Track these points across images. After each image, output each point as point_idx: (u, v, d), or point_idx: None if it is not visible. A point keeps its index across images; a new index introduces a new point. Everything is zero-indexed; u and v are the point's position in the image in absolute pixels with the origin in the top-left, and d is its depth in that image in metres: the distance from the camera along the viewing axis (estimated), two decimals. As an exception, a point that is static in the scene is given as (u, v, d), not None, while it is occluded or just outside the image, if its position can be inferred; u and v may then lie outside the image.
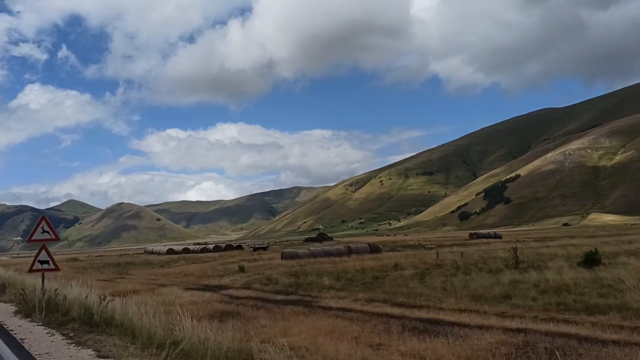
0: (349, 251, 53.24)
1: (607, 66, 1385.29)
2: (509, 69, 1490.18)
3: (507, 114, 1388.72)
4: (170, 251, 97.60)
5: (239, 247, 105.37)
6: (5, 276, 21.02)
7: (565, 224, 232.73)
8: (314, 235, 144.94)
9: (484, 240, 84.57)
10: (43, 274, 13.88)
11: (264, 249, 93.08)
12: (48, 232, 13.78)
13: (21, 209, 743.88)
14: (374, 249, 56.43)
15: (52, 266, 13.85)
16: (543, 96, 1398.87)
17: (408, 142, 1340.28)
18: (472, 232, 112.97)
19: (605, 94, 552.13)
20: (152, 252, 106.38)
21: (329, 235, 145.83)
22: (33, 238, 13.59)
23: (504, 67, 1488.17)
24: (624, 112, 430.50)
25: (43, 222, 13.73)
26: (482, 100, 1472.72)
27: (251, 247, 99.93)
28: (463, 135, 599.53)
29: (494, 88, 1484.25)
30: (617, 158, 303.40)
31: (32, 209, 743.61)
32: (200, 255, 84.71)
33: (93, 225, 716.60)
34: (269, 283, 27.97)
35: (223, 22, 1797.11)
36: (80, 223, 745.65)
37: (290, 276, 30.19)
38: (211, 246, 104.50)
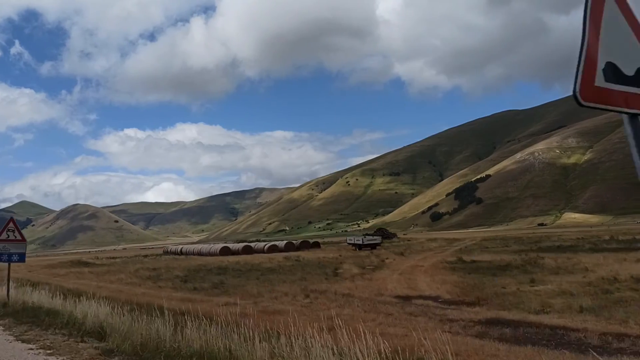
0: None
1: (565, 70, 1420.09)
2: (470, 72, 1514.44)
3: (467, 117, 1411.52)
4: (226, 250, 76.11)
5: (316, 245, 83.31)
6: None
7: (541, 224, 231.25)
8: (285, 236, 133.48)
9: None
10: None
11: (373, 247, 67.40)
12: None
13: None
14: None
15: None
16: (503, 99, 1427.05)
17: (369, 143, 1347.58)
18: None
19: (567, 96, 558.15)
20: (182, 253, 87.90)
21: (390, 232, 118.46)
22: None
23: (466, 70, 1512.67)
24: (585, 114, 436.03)
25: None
26: (443, 103, 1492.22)
27: (352, 243, 74.90)
28: (426, 137, 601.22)
29: (455, 91, 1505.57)
30: (586, 158, 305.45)
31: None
32: (290, 254, 62.71)
33: (47, 227, 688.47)
34: None
35: (185, 20, 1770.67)
36: (33, 225, 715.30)
37: None
38: (282, 244, 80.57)
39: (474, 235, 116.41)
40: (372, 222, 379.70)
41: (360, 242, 70.57)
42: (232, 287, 27.17)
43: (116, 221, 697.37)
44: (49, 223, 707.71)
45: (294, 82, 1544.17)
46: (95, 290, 18.29)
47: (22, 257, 15.76)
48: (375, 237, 76.09)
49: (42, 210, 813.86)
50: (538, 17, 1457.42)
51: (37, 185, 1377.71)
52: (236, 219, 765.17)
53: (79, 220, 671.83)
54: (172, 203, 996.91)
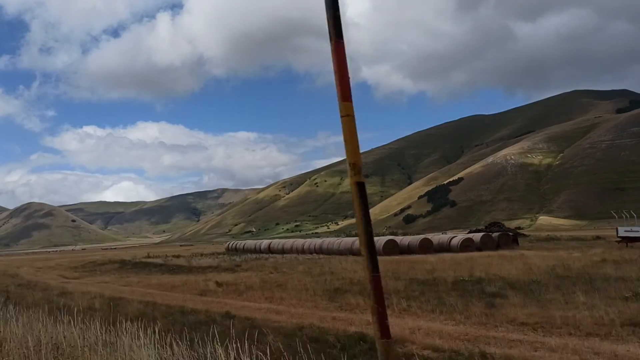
0: None
1: (527, 77, 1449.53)
2: (436, 77, 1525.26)
3: (431, 122, 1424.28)
4: (393, 245, 52.66)
5: (515, 241, 59.63)
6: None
7: (518, 228, 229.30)
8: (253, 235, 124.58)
9: None
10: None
11: None
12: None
13: None
14: None
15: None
16: (467, 105, 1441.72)
17: (334, 146, 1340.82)
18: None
19: (533, 102, 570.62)
20: (283, 250, 65.96)
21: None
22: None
23: (432, 75, 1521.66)
24: (551, 120, 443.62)
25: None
26: (408, 107, 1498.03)
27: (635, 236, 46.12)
28: (393, 140, 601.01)
29: (420, 96, 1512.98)
30: (557, 163, 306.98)
31: None
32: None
33: (0, 226, 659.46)
34: None
35: (151, 16, 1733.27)
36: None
37: None
38: (477, 237, 56.54)
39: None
40: (341, 224, 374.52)
41: None
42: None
43: (73, 220, 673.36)
44: (2, 221, 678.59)
45: (261, 83, 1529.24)
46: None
47: None
48: None
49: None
50: (504, 24, 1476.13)
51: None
52: (199, 219, 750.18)
53: (34, 218, 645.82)
54: (131, 203, 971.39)
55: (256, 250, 71.98)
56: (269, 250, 69.39)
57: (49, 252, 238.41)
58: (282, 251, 66.40)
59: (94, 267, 48.62)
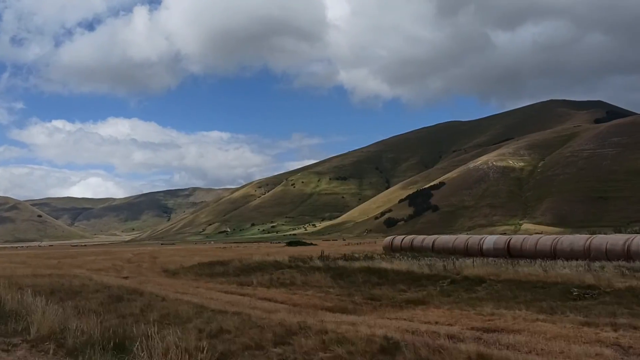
0: None
1: (502, 86, 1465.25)
2: (413, 83, 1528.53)
3: (406, 128, 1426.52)
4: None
5: None
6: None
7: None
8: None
9: None
10: None
11: None
12: None
13: None
14: None
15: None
16: (442, 111, 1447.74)
17: (307, 148, 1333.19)
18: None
19: (510, 110, 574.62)
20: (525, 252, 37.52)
21: None
22: None
23: (409, 81, 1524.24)
24: (529, 128, 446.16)
25: None
26: (383, 112, 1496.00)
27: None
28: (370, 143, 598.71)
29: (395, 101, 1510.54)
30: (539, 170, 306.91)
31: None
32: None
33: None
34: None
35: (128, 10, 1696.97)
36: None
37: None
38: None
39: None
40: (319, 226, 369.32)
41: None
42: None
43: (39, 215, 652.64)
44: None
45: (237, 82, 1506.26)
46: None
47: None
48: None
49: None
50: (483, 32, 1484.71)
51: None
52: (169, 218, 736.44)
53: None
54: (99, 199, 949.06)
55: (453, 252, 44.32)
56: (481, 252, 41.63)
57: (17, 247, 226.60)
58: (481, 252, 41.56)
59: (233, 273, 29.53)
